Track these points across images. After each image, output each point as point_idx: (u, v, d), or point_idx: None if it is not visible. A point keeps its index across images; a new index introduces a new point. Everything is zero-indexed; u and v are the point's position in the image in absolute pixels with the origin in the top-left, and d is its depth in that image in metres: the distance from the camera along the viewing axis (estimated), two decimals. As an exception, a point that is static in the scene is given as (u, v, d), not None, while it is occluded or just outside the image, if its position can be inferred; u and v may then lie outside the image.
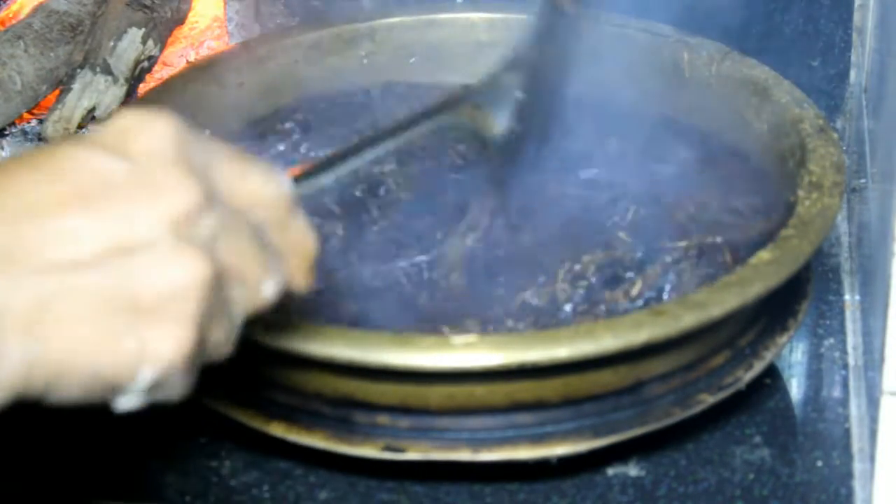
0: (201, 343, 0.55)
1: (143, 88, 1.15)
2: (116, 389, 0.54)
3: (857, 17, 1.11)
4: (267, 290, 0.58)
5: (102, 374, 0.53)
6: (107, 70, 1.11)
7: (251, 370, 0.81)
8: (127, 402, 0.54)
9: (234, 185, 0.58)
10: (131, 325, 0.53)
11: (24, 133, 1.11)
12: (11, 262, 0.52)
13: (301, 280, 0.61)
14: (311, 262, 0.61)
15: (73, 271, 0.52)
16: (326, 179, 0.66)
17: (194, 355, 0.55)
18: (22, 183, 0.53)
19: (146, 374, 0.54)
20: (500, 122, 0.79)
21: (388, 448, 0.79)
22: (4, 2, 1.20)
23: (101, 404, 0.54)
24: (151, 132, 0.55)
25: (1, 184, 0.53)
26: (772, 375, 0.89)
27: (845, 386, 0.90)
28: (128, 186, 0.54)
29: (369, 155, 0.69)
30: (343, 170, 0.67)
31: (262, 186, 0.58)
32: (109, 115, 1.10)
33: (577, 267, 0.86)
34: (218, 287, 0.55)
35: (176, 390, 0.55)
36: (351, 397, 0.79)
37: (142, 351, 0.53)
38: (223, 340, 0.57)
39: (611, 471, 0.83)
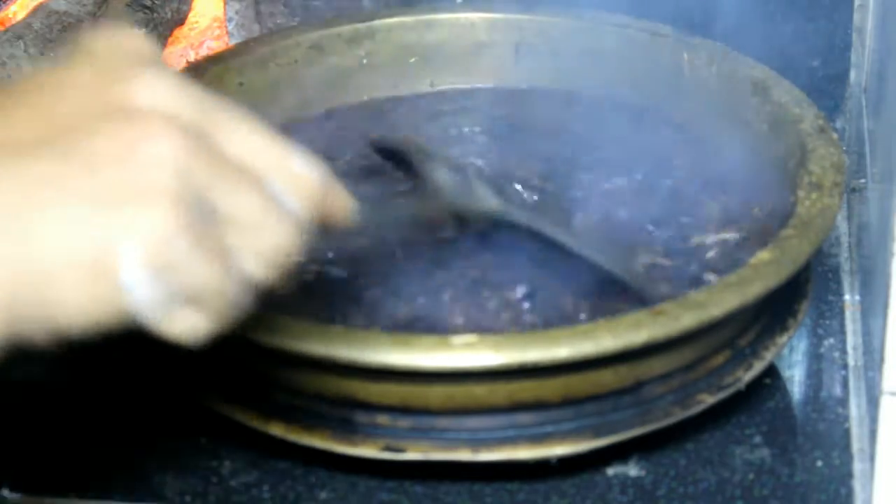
0: (194, 226, 0.50)
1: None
2: (109, 276, 0.49)
3: (856, 17, 1.10)
4: (276, 238, 0.53)
5: (87, 261, 0.49)
6: (107, 70, 1.11)
7: (250, 370, 0.81)
8: (136, 284, 0.49)
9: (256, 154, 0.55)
10: (104, 203, 0.49)
11: (24, 133, 1.11)
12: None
13: (265, 263, 0.54)
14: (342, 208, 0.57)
15: (37, 151, 0.49)
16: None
17: (192, 234, 0.50)
18: (11, 120, 0.51)
19: (133, 258, 0.49)
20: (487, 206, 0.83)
21: (388, 448, 0.79)
22: (4, 2, 1.20)
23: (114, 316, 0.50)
24: (122, 47, 0.54)
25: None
26: (772, 375, 0.89)
27: (845, 386, 0.90)
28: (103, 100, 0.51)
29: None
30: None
31: (238, 130, 0.56)
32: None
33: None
34: (197, 191, 0.51)
35: (199, 275, 0.50)
36: (351, 397, 0.79)
37: (121, 228, 0.49)
38: (235, 277, 0.52)
39: (611, 471, 0.83)
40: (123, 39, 0.55)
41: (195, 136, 0.52)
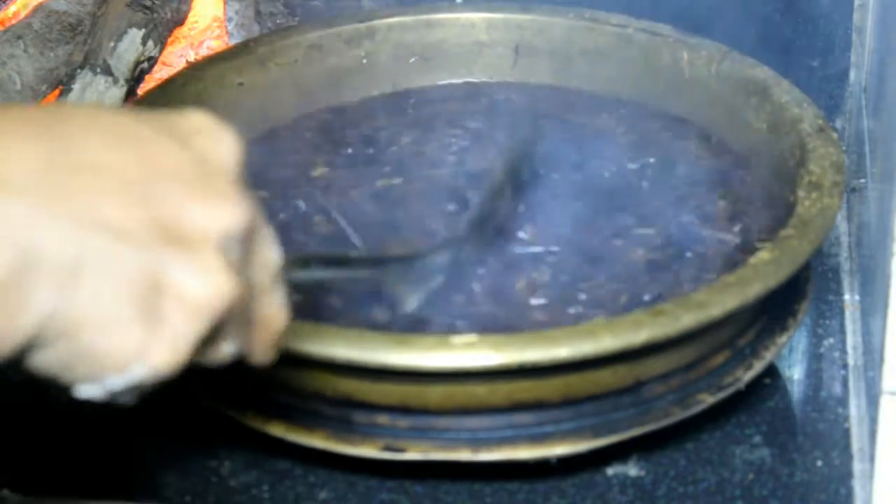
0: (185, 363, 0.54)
1: (142, 88, 1.15)
2: (96, 374, 0.52)
3: (856, 16, 1.10)
4: (227, 349, 0.57)
5: (98, 354, 0.52)
6: (107, 71, 1.11)
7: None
8: (92, 392, 0.53)
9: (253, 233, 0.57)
10: (146, 321, 0.52)
11: (24, 133, 1.11)
12: (62, 213, 0.50)
13: (261, 353, 0.59)
14: (275, 338, 0.59)
15: (119, 239, 0.51)
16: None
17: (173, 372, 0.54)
18: (91, 139, 0.52)
19: (134, 373, 0.52)
20: (410, 302, 0.82)
21: (388, 448, 0.79)
22: (4, 2, 1.20)
23: (63, 384, 0.53)
24: (223, 141, 0.55)
25: (71, 133, 0.52)
26: (771, 375, 0.89)
27: (845, 386, 0.90)
28: (193, 180, 0.53)
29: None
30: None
31: (267, 249, 0.57)
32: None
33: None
34: (227, 316, 0.54)
35: (134, 399, 0.54)
36: (351, 397, 0.79)
37: (144, 348, 0.52)
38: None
39: (610, 471, 0.83)
40: (215, 143, 0.56)
41: (237, 267, 0.55)
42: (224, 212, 0.53)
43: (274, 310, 0.58)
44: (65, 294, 0.50)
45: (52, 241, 0.50)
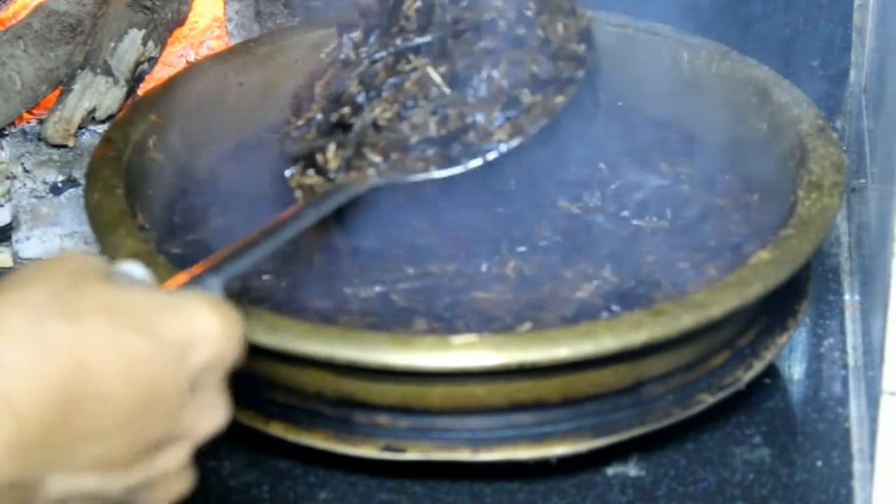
0: None
1: (143, 88, 1.15)
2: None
3: (856, 17, 1.10)
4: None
5: (107, 496, 0.57)
6: (107, 71, 1.11)
7: (251, 370, 0.81)
8: None
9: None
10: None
11: (24, 133, 1.11)
12: (55, 443, 0.54)
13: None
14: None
15: (107, 472, 0.56)
16: (243, 265, 0.66)
17: None
18: (103, 371, 0.55)
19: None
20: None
21: (388, 448, 0.79)
22: (4, 2, 1.20)
23: None
24: (222, 352, 0.58)
25: (87, 361, 0.55)
26: (771, 375, 0.89)
27: (845, 386, 0.90)
28: (183, 402, 0.57)
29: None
30: (258, 253, 0.68)
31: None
32: (110, 117, 1.10)
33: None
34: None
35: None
36: (351, 397, 0.79)
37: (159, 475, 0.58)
38: None
39: (610, 471, 0.83)
40: (214, 354, 0.58)
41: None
42: (208, 423, 0.58)
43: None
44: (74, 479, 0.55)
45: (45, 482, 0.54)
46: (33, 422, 0.53)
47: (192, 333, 0.57)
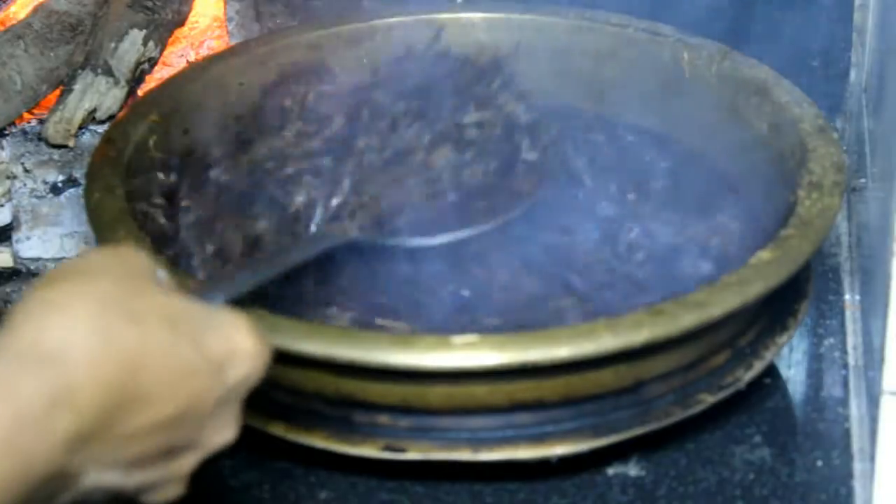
0: None
1: (143, 89, 1.15)
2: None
3: (857, 16, 1.10)
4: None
5: (121, 491, 0.58)
6: (108, 71, 1.11)
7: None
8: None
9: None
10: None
11: (25, 133, 1.11)
12: (103, 438, 0.55)
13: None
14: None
15: (130, 467, 0.57)
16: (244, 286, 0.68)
17: None
18: (155, 372, 0.56)
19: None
20: None
21: (389, 448, 0.79)
22: (4, 2, 1.20)
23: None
24: (252, 371, 0.60)
25: (142, 365, 0.56)
26: (772, 375, 0.89)
27: (845, 385, 0.90)
28: (213, 411, 0.59)
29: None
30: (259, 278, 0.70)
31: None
32: (110, 117, 1.10)
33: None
34: None
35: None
36: (351, 397, 0.79)
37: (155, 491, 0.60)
38: None
39: (611, 470, 0.83)
40: (246, 371, 0.61)
41: None
42: (221, 437, 0.61)
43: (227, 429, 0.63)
44: (104, 473, 0.56)
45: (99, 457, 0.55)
46: (91, 417, 0.54)
47: (232, 352, 0.59)
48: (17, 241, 1.07)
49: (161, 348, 0.56)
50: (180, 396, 0.57)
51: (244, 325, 0.60)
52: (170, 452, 0.58)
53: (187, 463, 0.60)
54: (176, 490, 0.61)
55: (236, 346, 0.59)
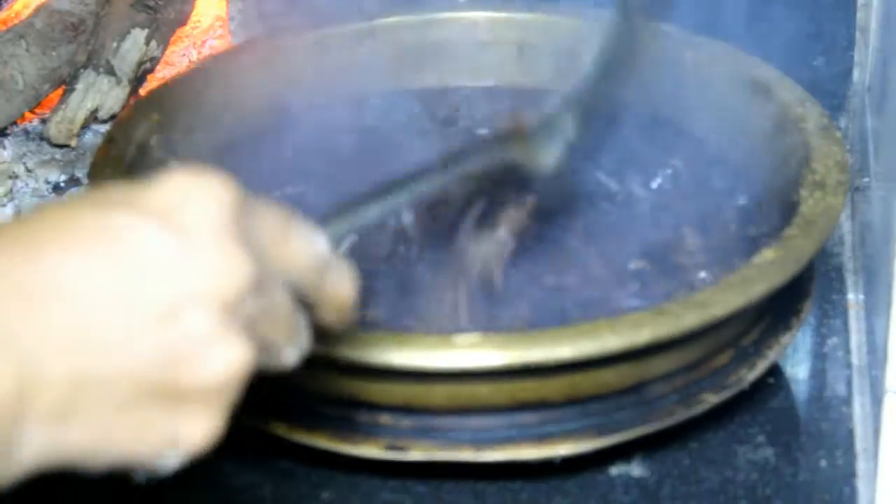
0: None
1: (145, 88, 1.15)
2: (138, 467, 0.52)
3: (860, 15, 1.10)
4: (288, 358, 0.56)
5: (129, 457, 0.52)
6: (110, 71, 1.11)
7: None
8: (143, 476, 0.53)
9: (276, 247, 0.54)
10: (167, 411, 0.51)
11: (27, 132, 1.11)
12: (45, 343, 0.48)
13: (337, 321, 0.58)
14: (348, 308, 0.57)
15: (113, 352, 0.49)
16: (371, 215, 0.61)
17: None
18: (56, 252, 0.49)
19: (173, 459, 0.52)
20: (548, 162, 0.75)
21: (391, 448, 0.79)
22: (6, 1, 1.20)
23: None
24: (206, 199, 0.51)
25: (36, 255, 0.49)
26: (775, 375, 0.89)
27: (849, 385, 0.89)
28: (177, 263, 0.50)
29: (414, 190, 0.64)
30: (388, 205, 0.62)
31: (303, 248, 0.55)
32: (112, 117, 1.10)
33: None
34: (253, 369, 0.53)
35: (183, 463, 0.53)
36: (353, 397, 0.79)
37: (174, 437, 0.52)
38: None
39: (614, 470, 0.83)
40: (197, 206, 0.52)
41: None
42: (218, 279, 0.51)
43: (336, 288, 0.56)
44: (63, 425, 0.49)
45: (37, 376, 0.48)
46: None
47: (165, 192, 0.51)
48: (19, 241, 1.07)
49: (66, 232, 0.49)
50: (110, 265, 0.49)
51: (177, 175, 0.51)
52: (164, 322, 0.50)
53: (199, 319, 0.51)
54: (226, 355, 0.52)
55: (174, 190, 0.51)
